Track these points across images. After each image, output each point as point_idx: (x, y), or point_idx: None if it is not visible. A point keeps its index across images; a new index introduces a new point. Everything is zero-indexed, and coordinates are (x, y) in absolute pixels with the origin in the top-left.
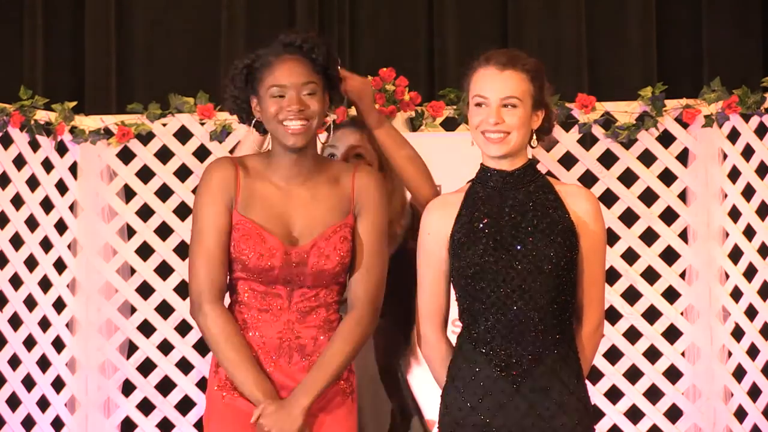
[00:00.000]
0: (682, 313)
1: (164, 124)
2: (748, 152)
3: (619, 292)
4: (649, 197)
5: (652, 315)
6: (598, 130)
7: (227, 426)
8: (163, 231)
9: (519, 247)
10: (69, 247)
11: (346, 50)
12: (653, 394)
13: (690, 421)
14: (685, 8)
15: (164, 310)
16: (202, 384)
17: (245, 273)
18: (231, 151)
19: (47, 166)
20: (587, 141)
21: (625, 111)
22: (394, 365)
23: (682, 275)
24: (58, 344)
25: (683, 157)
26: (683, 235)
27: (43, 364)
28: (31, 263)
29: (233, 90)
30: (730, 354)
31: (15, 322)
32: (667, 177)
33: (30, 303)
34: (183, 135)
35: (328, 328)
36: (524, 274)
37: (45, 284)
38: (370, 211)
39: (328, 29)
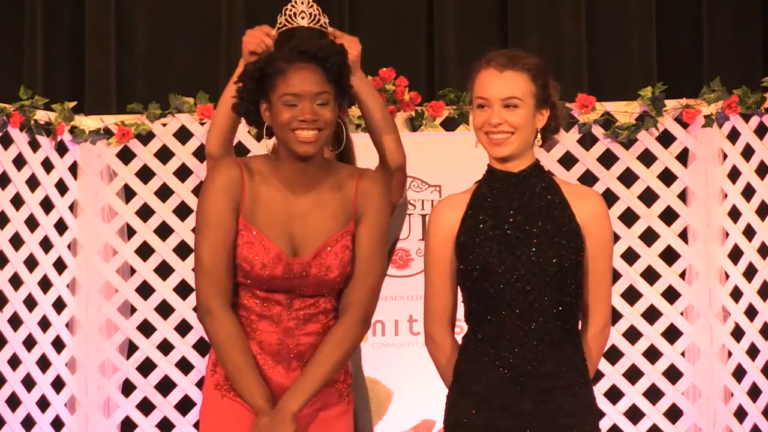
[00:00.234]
0: (682, 313)
1: (164, 124)
2: (748, 152)
3: (619, 292)
4: (649, 197)
5: (652, 315)
6: (598, 130)
7: (225, 426)
8: (163, 231)
9: (523, 249)
10: (69, 247)
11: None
12: (653, 394)
13: (690, 421)
14: (685, 8)
15: (164, 310)
16: (202, 384)
17: (246, 280)
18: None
19: (47, 166)
20: (587, 141)
21: (625, 111)
22: None
23: (682, 275)
24: (58, 344)
25: (683, 157)
26: (683, 235)
27: (43, 364)
28: (31, 263)
29: (243, 92)
30: (730, 354)
31: (15, 322)
32: (667, 177)
33: (30, 303)
34: (183, 135)
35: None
36: (528, 275)
37: (45, 284)
38: (370, 216)
39: None
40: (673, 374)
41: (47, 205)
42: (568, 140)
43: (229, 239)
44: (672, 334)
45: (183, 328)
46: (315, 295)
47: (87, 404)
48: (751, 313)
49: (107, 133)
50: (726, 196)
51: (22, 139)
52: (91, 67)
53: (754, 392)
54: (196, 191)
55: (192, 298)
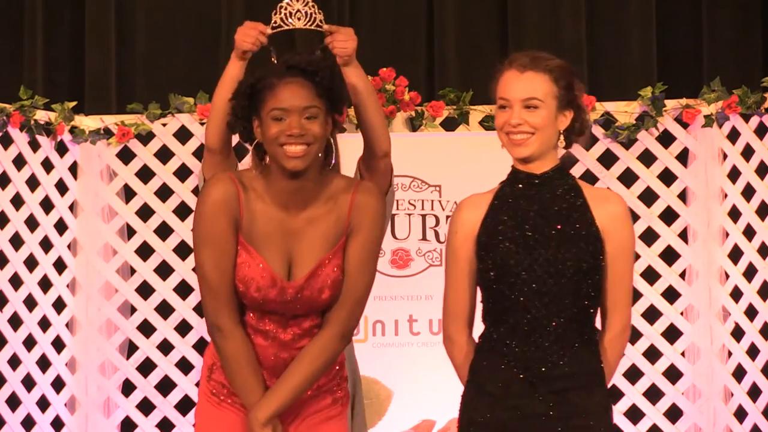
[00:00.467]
0: (682, 313)
1: (164, 124)
2: (748, 152)
3: None
4: (649, 197)
5: (652, 315)
6: (598, 130)
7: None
8: (163, 231)
9: (541, 251)
10: (69, 247)
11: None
12: (653, 394)
13: (690, 421)
14: (685, 8)
15: (164, 310)
16: None
17: (241, 299)
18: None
19: (47, 166)
20: (587, 141)
21: (625, 111)
22: None
23: (682, 275)
24: (58, 344)
25: (683, 157)
26: (683, 235)
27: (43, 364)
28: (31, 263)
29: (237, 108)
30: (730, 354)
31: (15, 322)
32: (667, 177)
33: (30, 303)
34: (183, 135)
35: None
36: (545, 277)
37: (45, 284)
38: (362, 231)
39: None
40: (673, 374)
41: (47, 205)
42: None
43: (232, 256)
44: (672, 334)
45: (183, 328)
46: (309, 314)
47: (87, 404)
48: (751, 313)
49: (107, 133)
50: (726, 196)
51: (22, 139)
52: (91, 67)
53: (754, 392)
54: (196, 191)
55: (192, 298)
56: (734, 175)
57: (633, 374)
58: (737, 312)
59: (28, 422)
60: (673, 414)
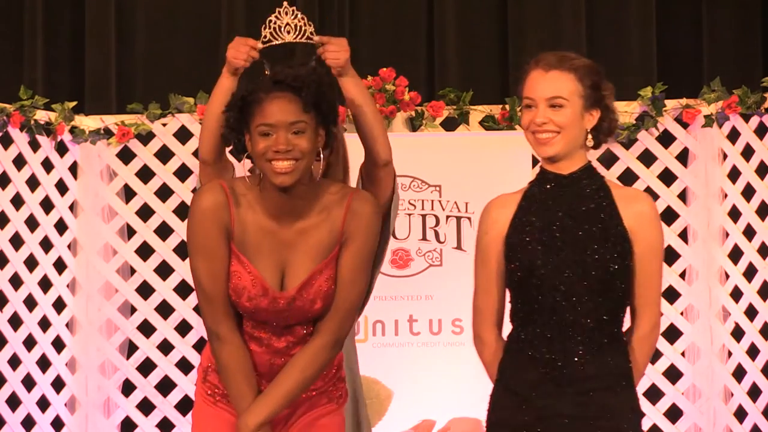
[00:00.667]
0: (682, 313)
1: (164, 124)
2: (748, 152)
3: None
4: None
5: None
6: None
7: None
8: (163, 231)
9: (568, 252)
10: (69, 247)
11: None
12: (653, 394)
13: (690, 421)
14: (685, 8)
15: (164, 310)
16: None
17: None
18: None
19: (47, 166)
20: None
21: (625, 111)
22: None
23: (682, 275)
24: (58, 344)
25: (683, 157)
26: (683, 235)
27: (43, 364)
28: (31, 263)
29: (230, 121)
30: (730, 354)
31: (15, 322)
32: (667, 177)
33: (30, 303)
34: (183, 135)
35: None
36: (573, 278)
37: (45, 284)
38: (356, 240)
39: (329, 30)
40: (673, 374)
41: (47, 205)
42: None
43: (225, 264)
44: (672, 334)
45: (183, 328)
46: (301, 323)
47: (87, 404)
48: (751, 313)
49: (107, 133)
50: (726, 196)
51: (22, 139)
52: (91, 67)
53: (754, 392)
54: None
55: (192, 298)
56: (734, 175)
57: None
58: (737, 312)
59: (28, 422)
60: (673, 414)
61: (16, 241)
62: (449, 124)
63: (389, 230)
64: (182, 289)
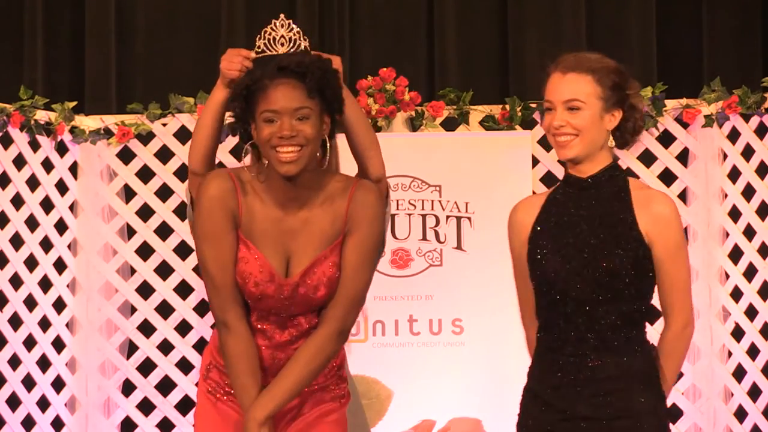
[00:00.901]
0: None
1: (164, 124)
2: (748, 152)
3: None
4: None
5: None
6: None
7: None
8: (163, 231)
9: (582, 257)
10: (69, 247)
11: (347, 50)
12: None
13: (690, 421)
14: (685, 8)
15: (164, 310)
16: None
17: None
18: (231, 151)
19: (47, 166)
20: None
21: None
22: None
23: None
24: (58, 344)
25: (683, 157)
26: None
27: (43, 364)
28: (31, 263)
29: (236, 110)
30: (730, 354)
31: (15, 322)
32: (667, 177)
33: (30, 303)
34: (183, 135)
35: None
36: (585, 283)
37: (45, 284)
38: (360, 229)
39: (329, 29)
40: None
41: (47, 205)
42: None
43: (232, 251)
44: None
45: (183, 328)
46: (305, 313)
47: (87, 404)
48: (751, 313)
49: (107, 133)
50: (726, 196)
51: (22, 139)
52: (91, 67)
53: (754, 392)
54: None
55: (192, 298)
56: (734, 175)
57: None
58: (737, 312)
59: (28, 422)
60: (673, 414)
61: (16, 241)
62: (449, 124)
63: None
64: (182, 289)
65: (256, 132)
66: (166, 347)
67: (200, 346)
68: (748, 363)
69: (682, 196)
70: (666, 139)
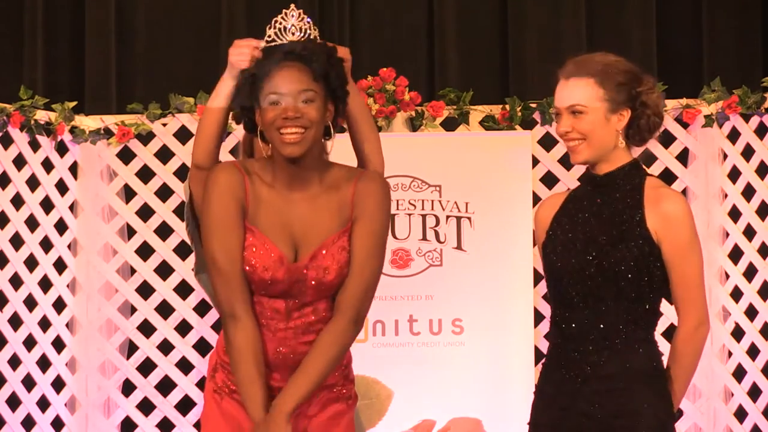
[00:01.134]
0: None
1: (164, 124)
2: (748, 152)
3: None
4: None
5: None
6: None
7: (223, 429)
8: (163, 231)
9: (588, 254)
10: (69, 247)
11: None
12: None
13: (690, 421)
14: (685, 8)
15: (164, 310)
16: (202, 384)
17: (250, 284)
18: (230, 152)
19: (47, 166)
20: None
21: None
22: None
23: None
24: (58, 344)
25: (683, 157)
26: None
27: (43, 364)
28: (31, 263)
29: (241, 99)
30: (730, 354)
31: (15, 322)
32: (667, 177)
33: (30, 303)
34: (183, 135)
35: None
36: (589, 280)
37: (45, 284)
38: (366, 216)
39: (329, 29)
40: None
41: (47, 205)
42: None
43: (240, 241)
44: (671, 334)
45: (183, 328)
46: (314, 300)
47: (87, 404)
48: (751, 313)
49: (107, 133)
50: (726, 196)
51: (22, 139)
52: (91, 67)
53: (754, 392)
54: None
55: (192, 298)
56: (734, 175)
57: None
58: (737, 312)
59: (28, 422)
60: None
61: (16, 241)
62: (449, 124)
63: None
64: (182, 289)
65: (260, 118)
66: (166, 347)
67: (200, 346)
68: (748, 363)
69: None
70: (666, 139)
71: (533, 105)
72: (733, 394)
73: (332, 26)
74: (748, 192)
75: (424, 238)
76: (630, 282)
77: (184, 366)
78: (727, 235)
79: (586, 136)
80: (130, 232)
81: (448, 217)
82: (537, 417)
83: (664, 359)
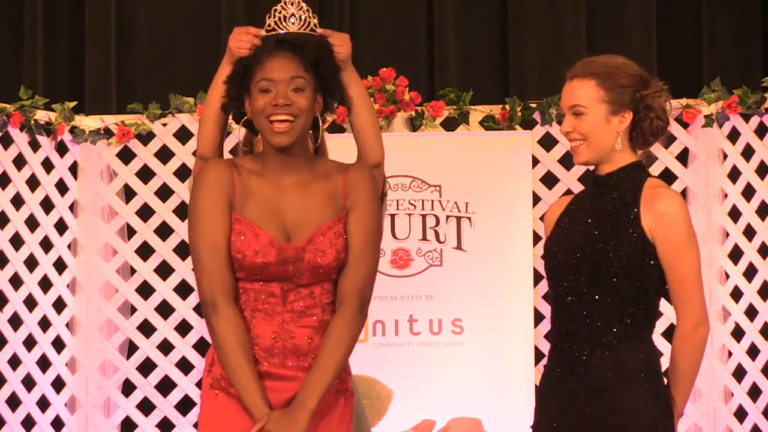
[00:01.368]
0: None
1: (164, 124)
2: (748, 152)
3: None
4: None
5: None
6: None
7: (220, 424)
8: (163, 231)
9: (582, 253)
10: (69, 247)
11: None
12: None
13: (690, 421)
14: (685, 8)
15: (164, 310)
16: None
17: (241, 272)
18: (231, 152)
19: (47, 166)
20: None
21: None
22: None
23: None
24: (58, 344)
25: (683, 157)
26: None
27: (43, 364)
28: (31, 263)
29: (231, 89)
30: (730, 354)
31: (15, 322)
32: (667, 177)
33: (30, 303)
34: (183, 135)
35: (324, 329)
36: (588, 276)
37: (45, 284)
38: (360, 207)
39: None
40: None
41: (47, 205)
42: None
43: (224, 233)
44: (671, 334)
45: (183, 328)
46: (310, 284)
47: (87, 404)
48: (751, 313)
49: (107, 133)
50: (726, 196)
51: (22, 139)
52: (91, 67)
53: (754, 392)
54: None
55: (192, 298)
56: (734, 175)
57: None
58: (737, 312)
59: (28, 422)
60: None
61: (16, 241)
62: (449, 124)
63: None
64: (182, 289)
65: (250, 106)
66: (166, 347)
67: (200, 346)
68: (748, 363)
69: (682, 196)
70: (666, 139)
71: (533, 105)
72: (733, 394)
73: (332, 26)
74: (748, 192)
75: (424, 238)
76: (624, 280)
77: (184, 366)
78: (727, 235)
79: (586, 137)
80: (130, 232)
81: (448, 217)
82: (538, 418)
83: (665, 359)
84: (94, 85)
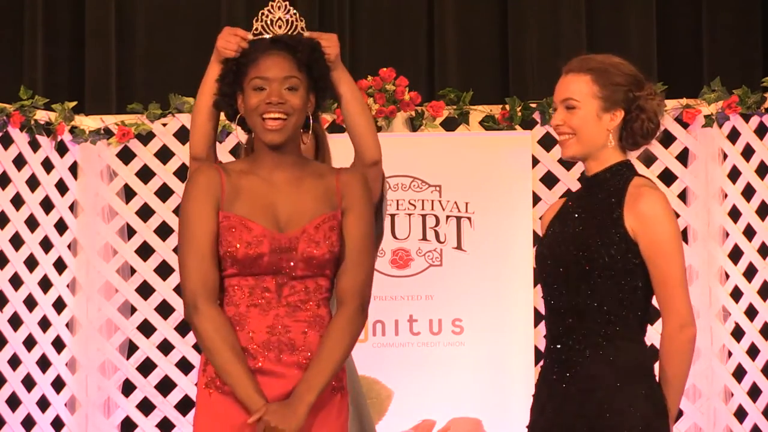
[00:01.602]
0: None
1: (164, 124)
2: (748, 152)
3: None
4: None
5: (651, 315)
6: None
7: (215, 423)
8: (163, 231)
9: (568, 254)
10: (69, 247)
11: (347, 50)
12: None
13: (690, 421)
14: (685, 8)
15: (164, 310)
16: None
17: (235, 267)
18: (231, 152)
19: (47, 166)
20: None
21: None
22: None
23: None
24: (58, 344)
25: (683, 157)
26: (683, 235)
27: (43, 364)
28: (31, 263)
29: (223, 86)
30: (730, 354)
31: (15, 322)
32: (667, 177)
33: (30, 303)
34: (183, 135)
35: (318, 323)
36: (569, 279)
37: (45, 284)
38: (355, 208)
39: (329, 29)
40: None
41: (47, 205)
42: None
43: (211, 237)
44: None
45: (183, 328)
46: (304, 277)
47: (87, 404)
48: (751, 313)
49: (107, 133)
50: (726, 196)
51: (22, 139)
52: (91, 67)
53: (754, 392)
54: None
55: None
56: (734, 175)
57: None
58: (737, 312)
59: (28, 422)
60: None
61: (16, 241)
62: (449, 124)
63: (380, 231)
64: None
65: (243, 104)
66: (166, 347)
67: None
68: (748, 363)
69: (682, 196)
70: (666, 139)
71: (533, 105)
72: (733, 394)
73: (332, 26)
74: (748, 192)
75: (424, 238)
76: (611, 281)
77: (184, 366)
78: (727, 235)
79: (576, 131)
80: (130, 232)
81: (448, 217)
82: (533, 418)
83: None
84: (94, 85)
